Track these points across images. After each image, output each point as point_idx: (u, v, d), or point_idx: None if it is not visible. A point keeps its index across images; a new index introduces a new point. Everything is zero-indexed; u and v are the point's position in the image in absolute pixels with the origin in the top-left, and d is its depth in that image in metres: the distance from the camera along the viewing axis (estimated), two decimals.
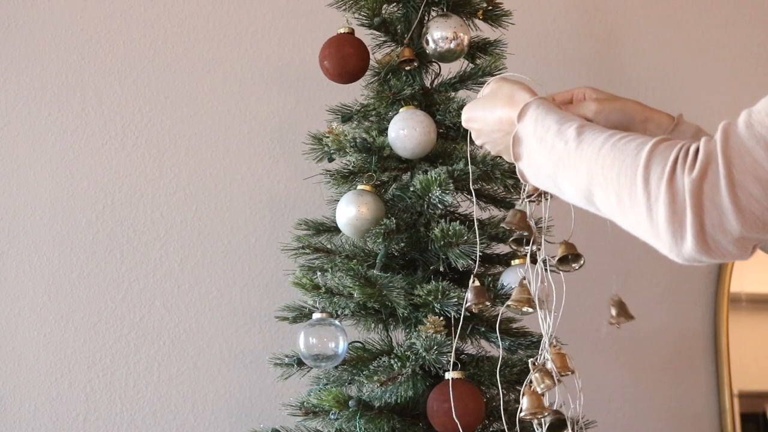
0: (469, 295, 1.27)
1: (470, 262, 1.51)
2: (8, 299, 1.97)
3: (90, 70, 2.10)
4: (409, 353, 1.49)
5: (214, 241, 2.10)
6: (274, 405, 2.01)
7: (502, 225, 1.25)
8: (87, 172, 2.06)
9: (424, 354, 1.47)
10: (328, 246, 1.65)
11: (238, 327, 2.07)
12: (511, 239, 1.24)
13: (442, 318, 1.50)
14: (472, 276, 1.28)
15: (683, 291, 2.40)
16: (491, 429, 1.60)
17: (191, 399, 2.02)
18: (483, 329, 1.61)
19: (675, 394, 2.34)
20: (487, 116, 1.13)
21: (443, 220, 1.54)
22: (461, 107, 1.62)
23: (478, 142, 1.17)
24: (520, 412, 1.21)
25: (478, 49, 1.75)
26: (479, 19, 1.72)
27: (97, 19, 2.12)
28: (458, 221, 1.53)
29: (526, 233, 1.21)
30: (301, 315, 1.66)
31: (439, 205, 1.53)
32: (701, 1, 2.58)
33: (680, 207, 0.79)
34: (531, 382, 1.21)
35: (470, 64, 1.73)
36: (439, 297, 1.49)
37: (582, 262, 1.24)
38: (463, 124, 1.19)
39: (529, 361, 1.23)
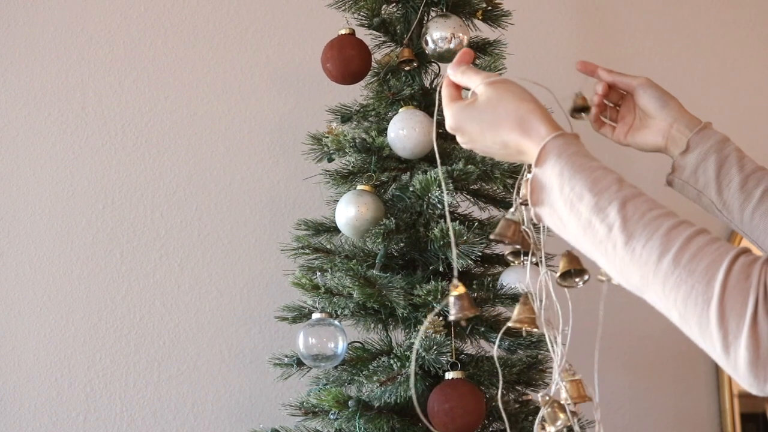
0: (455, 305, 1.00)
1: (470, 262, 1.51)
2: (8, 299, 1.97)
3: (90, 70, 2.10)
4: (408, 353, 1.49)
5: (214, 241, 2.10)
6: (274, 405, 2.02)
7: (491, 237, 1.03)
8: (87, 172, 2.06)
9: (423, 354, 1.47)
10: (328, 246, 1.65)
11: (238, 327, 2.08)
12: (508, 252, 1.06)
13: (441, 318, 1.50)
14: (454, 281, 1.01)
15: None
16: (491, 429, 1.60)
17: (191, 399, 2.02)
18: (483, 329, 1.61)
19: (675, 394, 2.34)
20: (486, 136, 0.98)
21: (443, 220, 1.54)
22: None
23: (465, 147, 1.05)
24: None
25: (477, 49, 1.74)
26: (478, 19, 1.72)
27: (97, 19, 2.12)
28: (458, 221, 1.53)
29: (519, 246, 1.02)
30: (301, 315, 1.66)
31: (438, 205, 1.53)
32: (701, 2, 2.58)
33: (765, 352, 0.76)
34: (543, 419, 1.04)
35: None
36: (439, 297, 1.49)
37: (587, 277, 1.08)
38: (449, 129, 1.03)
39: (539, 396, 1.06)
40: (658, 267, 0.81)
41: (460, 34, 1.63)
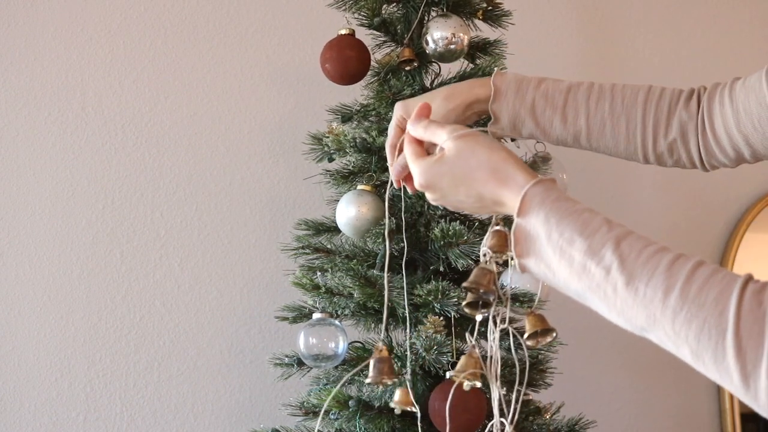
0: (488, 242, 0.97)
1: (470, 262, 1.51)
2: (8, 299, 1.97)
3: (90, 70, 2.10)
4: (409, 353, 1.49)
5: (214, 241, 2.10)
6: (274, 405, 2.02)
7: (464, 285, 1.02)
8: (87, 172, 2.06)
9: (424, 354, 1.47)
10: (328, 246, 1.65)
11: (238, 327, 2.07)
12: (465, 303, 1.03)
13: (442, 318, 1.50)
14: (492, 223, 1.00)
15: None
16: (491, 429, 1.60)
17: (191, 399, 2.02)
18: (483, 329, 1.60)
19: (675, 394, 2.34)
20: (459, 191, 0.96)
21: (443, 220, 1.54)
22: None
23: (435, 203, 1.02)
24: None
25: (477, 49, 1.74)
26: (479, 19, 1.72)
27: (97, 19, 2.12)
28: (458, 221, 1.53)
29: (491, 296, 1.00)
30: (301, 315, 1.66)
31: (439, 206, 1.53)
32: (701, 2, 2.58)
33: None
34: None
35: (470, 64, 1.72)
36: (439, 297, 1.49)
37: (554, 335, 1.03)
38: (418, 187, 1.00)
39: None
40: (665, 304, 0.79)
41: (461, 34, 1.63)
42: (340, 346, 1.53)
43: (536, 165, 1.68)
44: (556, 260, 0.86)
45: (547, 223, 0.87)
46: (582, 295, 0.86)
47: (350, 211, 1.57)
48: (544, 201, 0.88)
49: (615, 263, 0.82)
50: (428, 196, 1.00)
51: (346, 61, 1.64)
